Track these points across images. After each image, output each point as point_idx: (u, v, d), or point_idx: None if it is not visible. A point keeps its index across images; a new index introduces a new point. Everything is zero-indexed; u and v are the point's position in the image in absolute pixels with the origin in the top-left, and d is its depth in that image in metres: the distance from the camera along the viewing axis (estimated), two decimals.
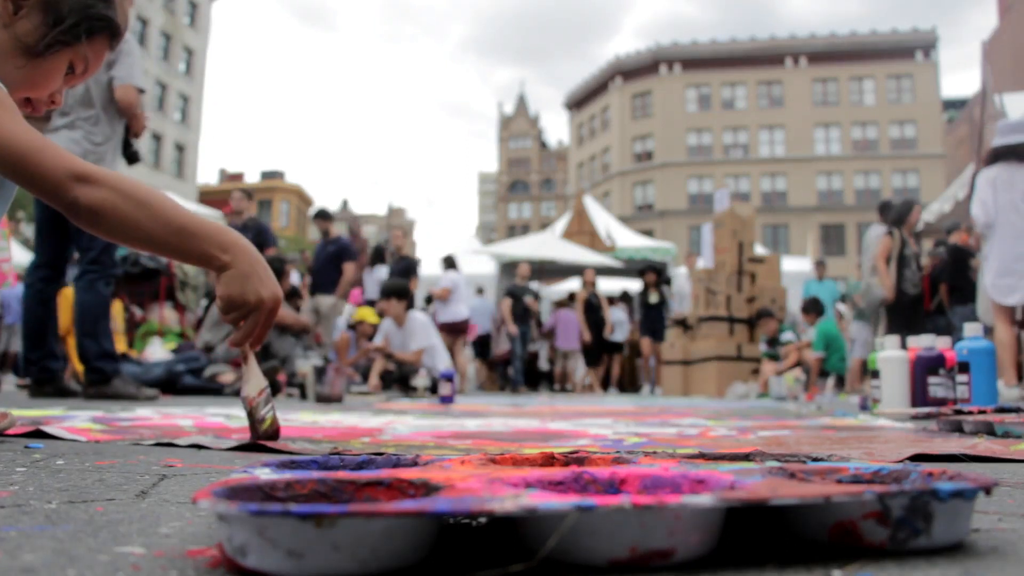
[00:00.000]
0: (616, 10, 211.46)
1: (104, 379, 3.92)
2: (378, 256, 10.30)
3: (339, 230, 8.90)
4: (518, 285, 10.70)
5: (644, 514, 0.51)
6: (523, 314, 10.51)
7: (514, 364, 10.51)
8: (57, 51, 1.34)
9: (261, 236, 7.28)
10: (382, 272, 9.72)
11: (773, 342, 8.59)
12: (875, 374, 3.13)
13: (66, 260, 4.04)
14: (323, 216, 8.63)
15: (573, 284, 14.48)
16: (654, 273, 11.08)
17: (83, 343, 3.94)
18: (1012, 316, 5.09)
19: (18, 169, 1.18)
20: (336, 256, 8.17)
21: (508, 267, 15.25)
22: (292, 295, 8.00)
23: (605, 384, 11.41)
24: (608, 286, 13.51)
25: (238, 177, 49.37)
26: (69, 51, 1.36)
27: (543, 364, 12.14)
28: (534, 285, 15.95)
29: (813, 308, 8.25)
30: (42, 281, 3.92)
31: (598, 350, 10.99)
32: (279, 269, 6.07)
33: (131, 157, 4.09)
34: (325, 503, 0.60)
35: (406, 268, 8.94)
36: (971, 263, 6.78)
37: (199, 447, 1.53)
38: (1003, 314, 5.07)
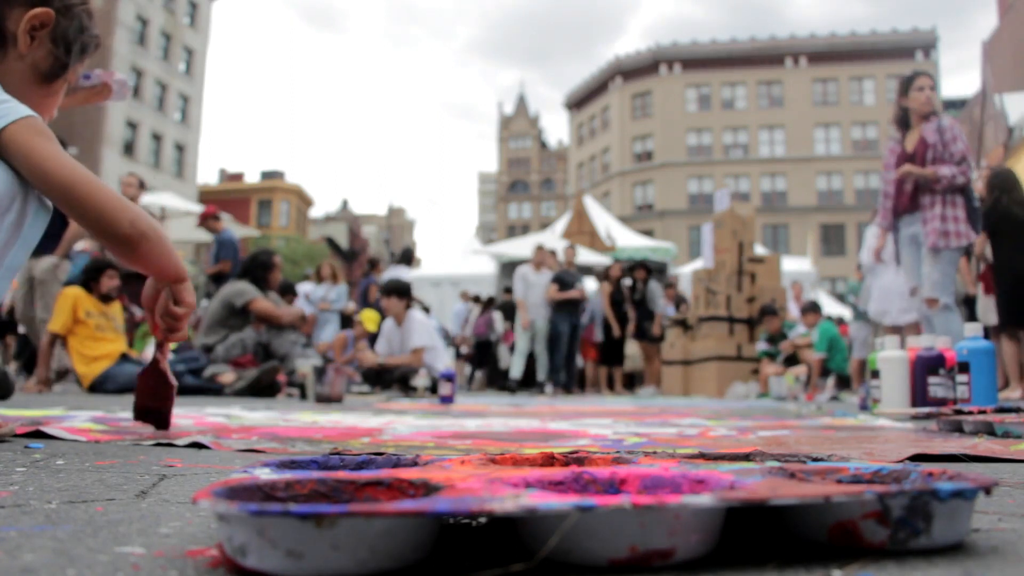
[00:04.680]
0: (621, 12, 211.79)
1: None
2: (405, 257, 10.22)
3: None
4: (567, 271, 10.01)
5: (644, 514, 0.51)
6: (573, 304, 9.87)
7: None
8: (65, 74, 1.42)
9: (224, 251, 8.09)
10: (402, 273, 9.65)
11: (773, 340, 8.59)
12: (875, 374, 3.13)
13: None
14: None
15: None
16: (644, 270, 10.83)
17: None
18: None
19: (74, 200, 1.24)
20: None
21: (508, 267, 15.23)
22: (286, 291, 7.95)
23: (627, 384, 11.09)
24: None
25: (238, 177, 49.22)
26: (70, 71, 1.44)
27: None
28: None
29: (812, 309, 8.28)
30: None
31: (618, 348, 10.46)
32: (266, 263, 5.97)
33: None
34: (325, 503, 0.60)
35: None
36: None
37: (199, 446, 1.53)
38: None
